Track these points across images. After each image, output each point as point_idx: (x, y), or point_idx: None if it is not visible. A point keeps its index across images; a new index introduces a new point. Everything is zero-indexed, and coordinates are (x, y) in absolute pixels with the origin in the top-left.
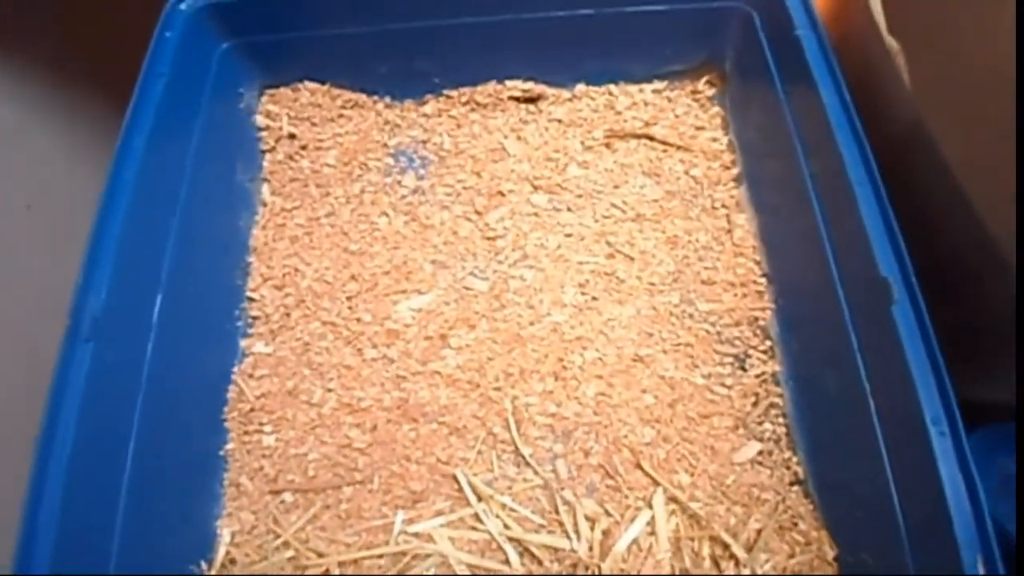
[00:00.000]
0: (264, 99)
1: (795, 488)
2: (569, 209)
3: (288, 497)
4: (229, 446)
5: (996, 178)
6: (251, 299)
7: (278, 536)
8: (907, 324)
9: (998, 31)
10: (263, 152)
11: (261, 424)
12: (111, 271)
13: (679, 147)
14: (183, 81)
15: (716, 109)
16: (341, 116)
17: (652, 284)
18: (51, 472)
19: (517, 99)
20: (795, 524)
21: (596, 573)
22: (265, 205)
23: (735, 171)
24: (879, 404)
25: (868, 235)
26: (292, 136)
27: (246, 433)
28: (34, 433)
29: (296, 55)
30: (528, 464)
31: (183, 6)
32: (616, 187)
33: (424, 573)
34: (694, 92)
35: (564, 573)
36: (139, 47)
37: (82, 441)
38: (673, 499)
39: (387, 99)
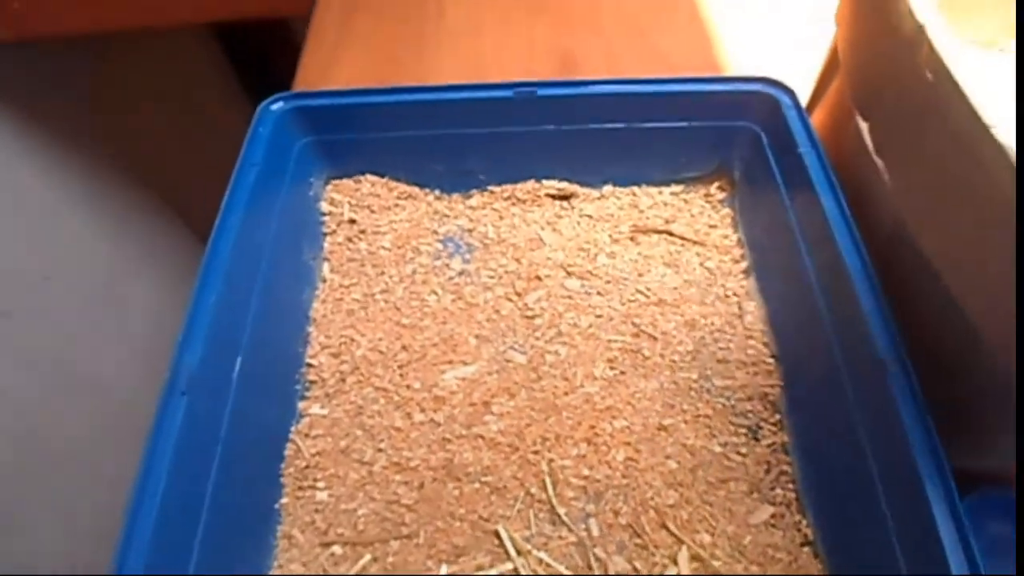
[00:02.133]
0: (329, 188)
1: (805, 549)
2: (599, 293)
3: (338, 550)
4: (284, 500)
5: (967, 268)
6: (310, 365)
7: None
8: (903, 398)
9: (960, 150)
10: (325, 234)
11: (315, 480)
12: (206, 332)
13: (695, 242)
14: (270, 170)
15: (727, 210)
16: (397, 205)
17: (674, 361)
18: (143, 514)
19: (553, 196)
20: None
21: None
22: (325, 281)
23: (744, 264)
24: (880, 471)
25: (866, 320)
26: (352, 221)
27: (300, 488)
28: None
29: (361, 152)
30: (563, 522)
31: (274, 107)
32: (640, 275)
33: None
34: (707, 195)
35: None
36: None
37: (172, 488)
38: (696, 557)
39: (438, 192)
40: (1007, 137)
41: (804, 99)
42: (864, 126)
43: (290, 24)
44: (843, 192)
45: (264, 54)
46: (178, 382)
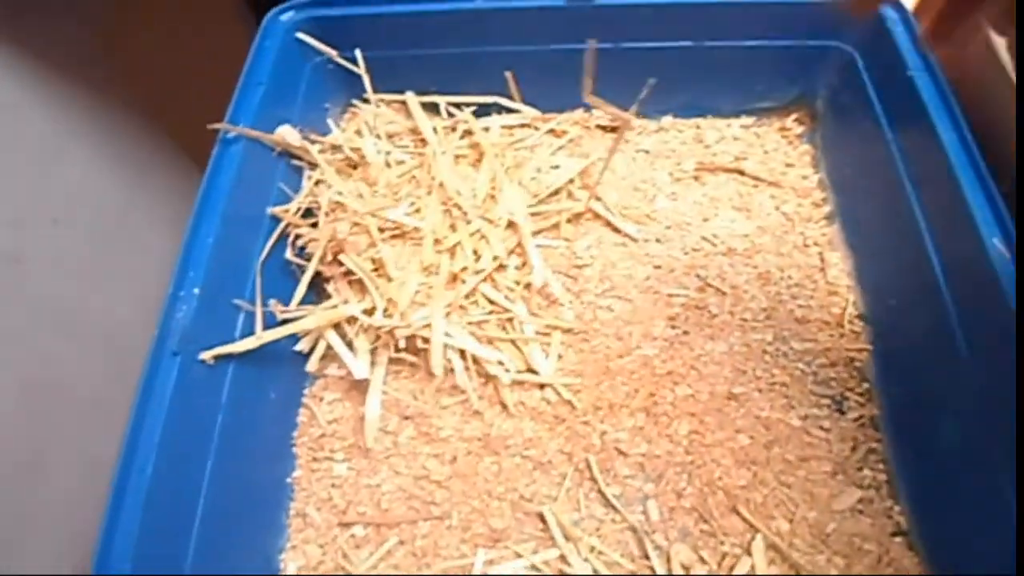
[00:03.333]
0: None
1: (898, 539)
2: (658, 240)
3: (359, 531)
4: (297, 474)
5: None
6: None
7: (347, 573)
8: None
9: None
10: None
11: (332, 451)
12: (201, 283)
13: (769, 182)
14: (277, 93)
15: (805, 147)
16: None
17: (744, 320)
18: (131, 487)
19: (604, 128)
20: None
21: None
22: None
23: (826, 209)
24: (1002, 457)
25: (993, 275)
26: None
27: (315, 460)
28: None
29: (383, 73)
30: (615, 506)
31: (284, 17)
32: (705, 220)
33: None
34: (782, 129)
35: None
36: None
37: (163, 459)
38: (773, 546)
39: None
40: None
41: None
42: (1000, 42)
43: None
44: (967, 123)
45: None
46: (168, 341)
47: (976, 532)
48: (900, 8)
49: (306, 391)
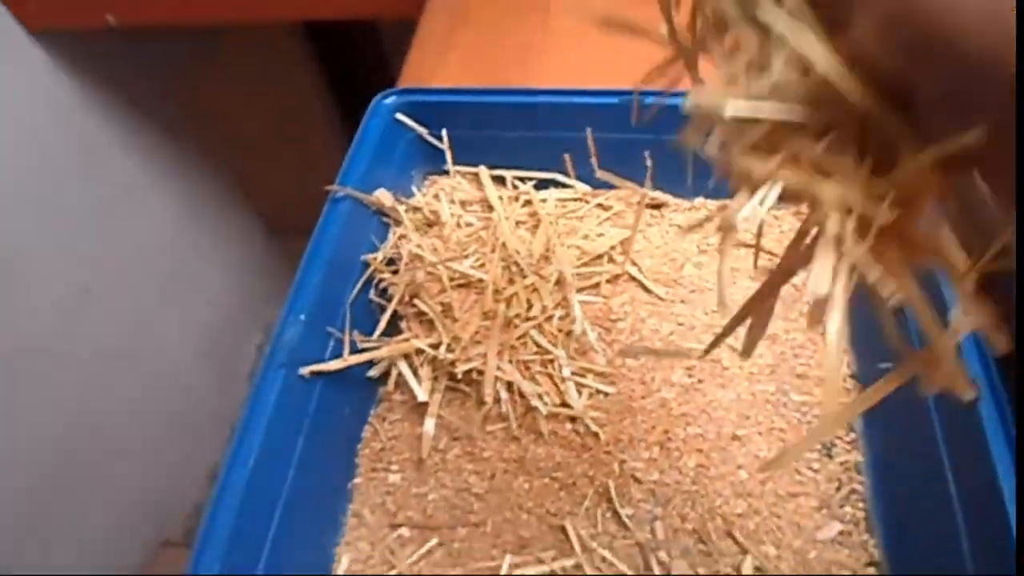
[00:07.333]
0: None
1: (870, 569)
2: (683, 302)
3: (405, 532)
4: (357, 480)
5: None
6: None
7: (392, 567)
8: (992, 424)
9: None
10: None
11: (389, 463)
12: (306, 311)
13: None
14: (378, 163)
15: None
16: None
17: (752, 373)
18: (234, 475)
19: (645, 204)
20: None
21: None
22: None
23: None
24: (963, 500)
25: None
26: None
27: (374, 470)
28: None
29: (461, 149)
30: (627, 525)
31: (387, 101)
32: None
33: None
34: (798, 212)
35: None
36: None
37: (262, 459)
38: (759, 568)
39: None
40: None
41: None
42: None
43: (380, 29)
44: None
45: (352, 55)
46: (278, 355)
47: (935, 567)
48: None
49: (373, 411)
